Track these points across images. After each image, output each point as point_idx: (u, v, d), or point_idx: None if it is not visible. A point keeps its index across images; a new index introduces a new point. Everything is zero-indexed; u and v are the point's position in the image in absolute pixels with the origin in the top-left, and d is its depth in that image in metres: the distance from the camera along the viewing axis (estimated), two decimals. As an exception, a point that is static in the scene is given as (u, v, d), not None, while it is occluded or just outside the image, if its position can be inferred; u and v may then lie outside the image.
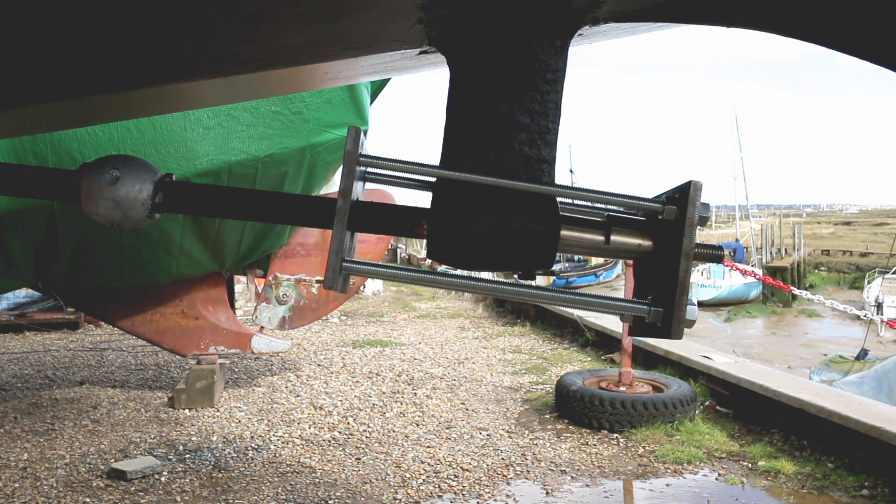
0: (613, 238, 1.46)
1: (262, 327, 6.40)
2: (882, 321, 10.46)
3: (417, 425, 5.77)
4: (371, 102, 6.04)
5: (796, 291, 8.46)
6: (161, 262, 5.46)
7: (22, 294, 10.70)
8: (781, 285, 8.87)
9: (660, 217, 1.41)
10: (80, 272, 5.36)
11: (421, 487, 4.50)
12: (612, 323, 8.55)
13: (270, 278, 6.39)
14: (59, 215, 4.71)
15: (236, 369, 7.64)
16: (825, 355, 14.79)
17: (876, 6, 1.20)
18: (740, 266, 9.16)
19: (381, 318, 12.34)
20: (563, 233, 1.44)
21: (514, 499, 4.36)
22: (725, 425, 5.64)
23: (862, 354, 12.19)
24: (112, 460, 4.85)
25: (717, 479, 4.65)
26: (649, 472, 4.77)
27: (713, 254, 1.45)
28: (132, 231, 4.98)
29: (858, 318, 7.77)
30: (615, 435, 5.47)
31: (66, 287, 6.02)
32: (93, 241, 5.01)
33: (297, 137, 5.25)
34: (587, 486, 4.57)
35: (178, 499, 4.30)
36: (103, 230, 4.88)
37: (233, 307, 6.84)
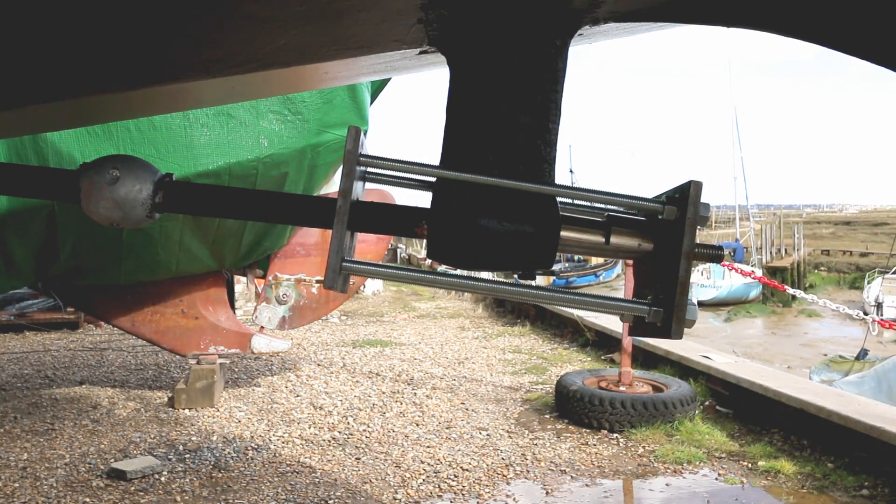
0: (613, 238, 1.46)
1: (262, 327, 6.40)
2: (874, 321, 10.45)
3: (417, 425, 5.77)
4: (371, 102, 6.04)
5: (792, 291, 8.45)
6: (161, 260, 5.46)
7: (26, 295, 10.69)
8: (778, 285, 8.84)
9: (660, 217, 1.41)
10: (80, 270, 5.36)
11: (421, 487, 4.50)
12: (612, 323, 8.55)
13: (270, 278, 6.39)
14: (59, 214, 4.71)
15: (236, 369, 7.64)
16: (825, 355, 14.79)
17: (876, 6, 1.20)
18: (738, 266, 9.15)
19: (381, 318, 12.34)
20: (563, 233, 1.44)
21: (514, 499, 4.36)
22: (725, 425, 5.64)
23: (862, 354, 12.20)
24: (112, 460, 4.85)
25: (716, 478, 4.65)
26: (649, 472, 4.77)
27: (713, 254, 1.45)
28: (132, 230, 4.98)
29: (852, 317, 7.76)
30: (615, 435, 5.47)
31: (65, 286, 6.02)
32: (92, 239, 5.01)
33: (297, 138, 5.25)
34: (587, 485, 4.57)
35: (178, 499, 4.30)
36: (103, 229, 4.87)
37: (233, 307, 6.84)
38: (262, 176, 5.11)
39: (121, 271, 5.45)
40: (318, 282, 6.44)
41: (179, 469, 4.74)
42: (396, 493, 4.41)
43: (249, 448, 5.17)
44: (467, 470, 4.79)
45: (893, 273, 28.62)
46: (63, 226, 4.78)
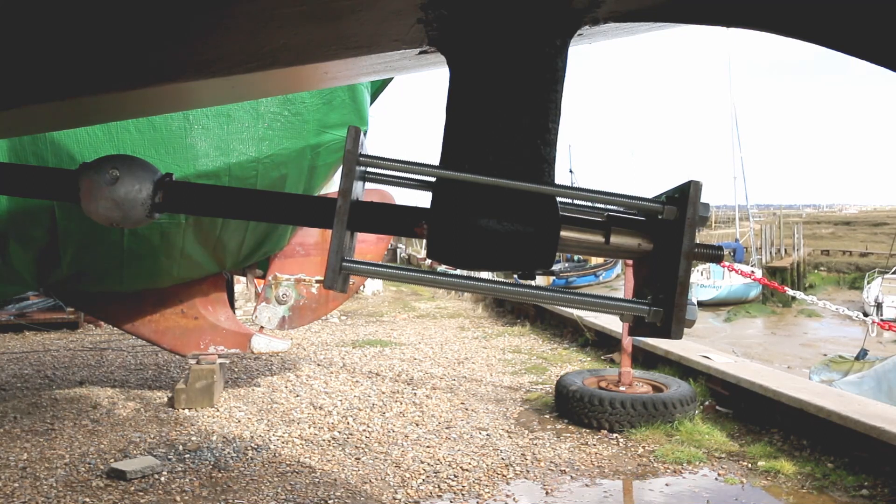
0: (613, 238, 1.46)
1: (262, 327, 6.40)
2: (873, 322, 10.44)
3: (417, 425, 5.77)
4: (371, 103, 6.04)
5: (791, 292, 8.44)
6: (162, 266, 5.45)
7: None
8: (776, 286, 8.79)
9: (660, 217, 1.41)
10: (81, 278, 5.35)
11: (421, 487, 4.50)
12: (611, 323, 8.55)
13: (270, 278, 6.38)
14: (60, 221, 4.69)
15: (236, 369, 7.64)
16: (825, 355, 14.78)
17: (876, 6, 1.20)
18: (737, 267, 9.13)
19: (380, 318, 12.34)
20: (563, 233, 1.44)
21: (514, 499, 4.36)
22: (725, 425, 5.64)
23: (862, 354, 12.18)
24: (112, 460, 4.85)
25: (716, 478, 4.65)
26: (649, 472, 4.77)
27: (713, 254, 1.45)
28: (133, 236, 4.97)
29: (851, 318, 7.76)
30: (615, 435, 5.47)
31: (67, 292, 6.02)
32: (93, 246, 5.00)
33: (296, 138, 5.24)
34: (587, 485, 4.57)
35: (178, 499, 4.30)
36: (104, 236, 4.87)
37: (232, 307, 6.84)
38: (262, 177, 5.11)
39: (122, 278, 5.44)
40: (317, 282, 6.44)
41: (179, 469, 4.74)
42: (396, 493, 4.41)
43: (249, 448, 5.16)
44: (467, 470, 4.79)
45: (893, 273, 28.63)
46: (64, 232, 4.77)
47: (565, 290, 1.55)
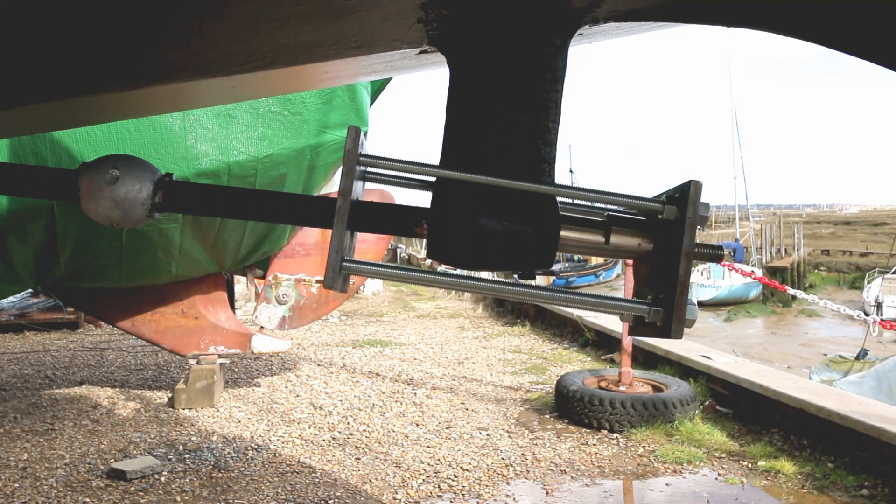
0: (613, 238, 1.46)
1: (262, 327, 6.40)
2: (874, 321, 10.46)
3: (417, 425, 5.77)
4: (371, 103, 6.04)
5: (792, 291, 8.45)
6: (160, 264, 5.45)
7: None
8: (777, 285, 8.84)
9: (660, 217, 1.41)
10: (80, 275, 5.35)
11: (421, 487, 4.50)
12: (612, 323, 8.55)
13: (270, 278, 6.38)
14: (59, 219, 4.70)
15: (236, 369, 7.64)
16: (825, 355, 14.77)
17: (876, 6, 1.20)
18: (738, 267, 9.14)
19: (380, 318, 12.34)
20: (563, 233, 1.44)
21: (514, 498, 4.36)
22: (725, 425, 5.64)
23: (862, 354, 12.17)
24: (112, 460, 4.85)
25: (716, 478, 4.65)
26: (649, 472, 4.77)
27: (713, 253, 1.44)
28: (131, 233, 4.97)
29: (852, 318, 7.77)
30: (615, 435, 5.47)
31: (65, 290, 6.02)
32: (92, 243, 5.00)
33: (296, 138, 5.24)
34: (587, 485, 4.57)
35: (178, 499, 4.30)
36: (102, 233, 4.87)
37: (233, 307, 6.83)
38: (261, 176, 5.11)
39: (121, 275, 5.44)
40: (318, 282, 6.44)
41: (179, 469, 4.74)
42: (396, 493, 4.41)
43: (249, 448, 5.16)
44: (467, 470, 4.79)
45: (893, 273, 28.64)
46: (63, 230, 4.77)
47: (565, 290, 1.55)
